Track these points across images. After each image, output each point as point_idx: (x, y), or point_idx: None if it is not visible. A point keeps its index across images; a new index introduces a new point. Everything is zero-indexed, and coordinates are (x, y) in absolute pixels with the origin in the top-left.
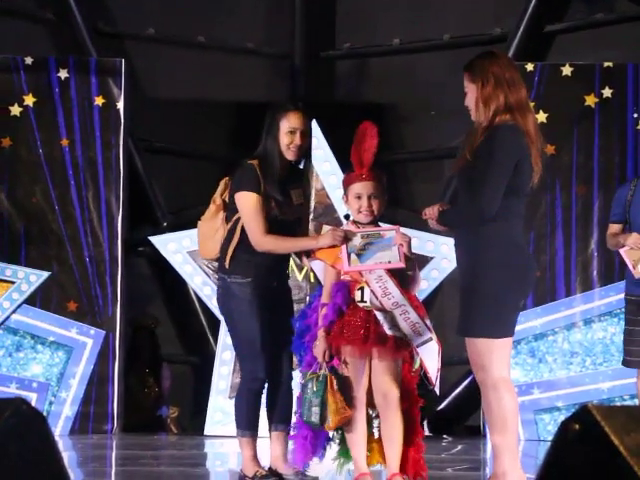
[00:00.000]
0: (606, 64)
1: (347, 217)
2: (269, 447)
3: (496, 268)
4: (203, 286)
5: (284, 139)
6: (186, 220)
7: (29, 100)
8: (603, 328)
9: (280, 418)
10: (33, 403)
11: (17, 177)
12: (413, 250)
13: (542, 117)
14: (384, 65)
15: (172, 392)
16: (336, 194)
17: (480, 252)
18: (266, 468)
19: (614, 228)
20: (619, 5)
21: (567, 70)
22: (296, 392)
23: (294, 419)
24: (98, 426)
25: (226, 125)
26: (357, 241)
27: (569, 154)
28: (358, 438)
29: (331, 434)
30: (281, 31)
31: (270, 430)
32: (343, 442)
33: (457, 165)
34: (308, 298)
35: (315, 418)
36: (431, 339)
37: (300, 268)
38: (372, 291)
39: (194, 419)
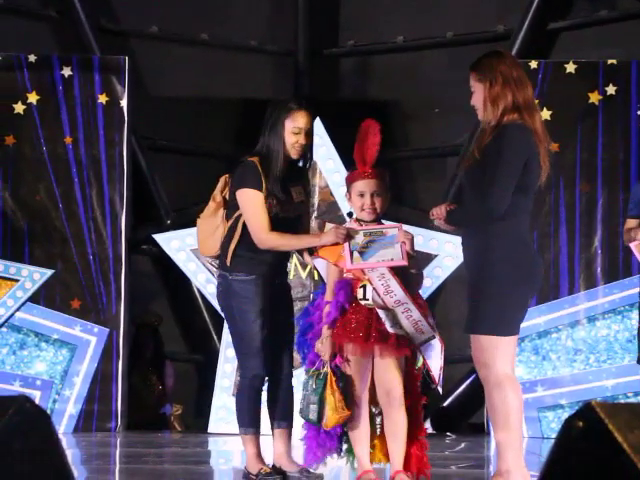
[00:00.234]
0: (610, 61)
1: (350, 215)
2: (272, 445)
3: (504, 266)
4: (207, 284)
5: (290, 138)
6: (190, 218)
7: (33, 98)
8: (607, 326)
9: (282, 415)
10: (37, 401)
11: (21, 175)
12: (416, 248)
13: (546, 115)
14: (387, 63)
15: (176, 390)
16: (339, 192)
17: (488, 250)
18: (270, 465)
19: (630, 223)
20: (622, 2)
21: (571, 67)
22: (298, 389)
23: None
24: (102, 424)
25: (230, 123)
26: (360, 239)
27: (573, 152)
28: (361, 436)
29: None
30: (284, 29)
31: (272, 428)
32: (349, 440)
33: (465, 164)
34: (312, 296)
35: (313, 415)
36: (434, 337)
37: (304, 266)
38: (374, 289)
39: (198, 417)
